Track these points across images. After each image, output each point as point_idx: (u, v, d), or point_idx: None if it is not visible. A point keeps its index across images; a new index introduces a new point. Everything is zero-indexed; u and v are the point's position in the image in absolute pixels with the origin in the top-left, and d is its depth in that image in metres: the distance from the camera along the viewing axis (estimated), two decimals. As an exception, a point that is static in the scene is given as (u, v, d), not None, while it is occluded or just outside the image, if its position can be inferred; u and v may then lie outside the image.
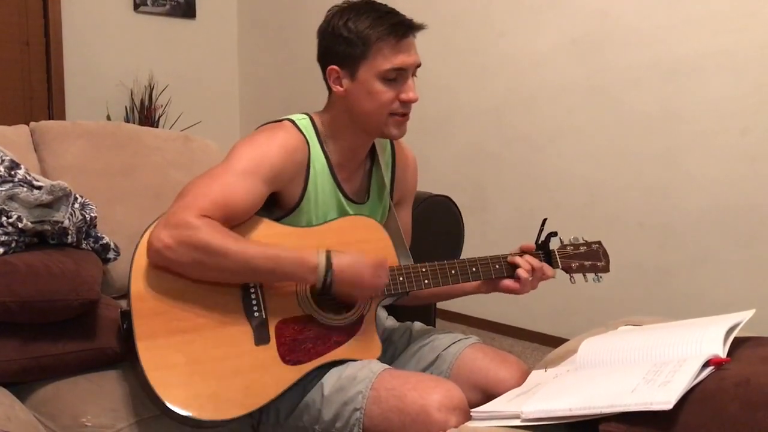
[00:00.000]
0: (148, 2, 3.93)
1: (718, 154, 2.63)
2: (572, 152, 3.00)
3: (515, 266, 1.48)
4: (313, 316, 1.35)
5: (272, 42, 4.13)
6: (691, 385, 0.95)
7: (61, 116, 3.62)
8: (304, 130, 1.41)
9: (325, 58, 1.40)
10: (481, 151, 3.29)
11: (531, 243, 1.54)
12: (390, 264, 1.43)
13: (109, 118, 3.72)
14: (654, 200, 2.80)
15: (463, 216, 2.15)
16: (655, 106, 2.76)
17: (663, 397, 0.91)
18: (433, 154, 3.39)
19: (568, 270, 1.56)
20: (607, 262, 1.59)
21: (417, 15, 1.40)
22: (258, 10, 4.23)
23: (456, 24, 3.29)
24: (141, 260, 1.27)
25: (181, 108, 3.97)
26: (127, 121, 3.82)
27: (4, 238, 1.35)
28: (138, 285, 1.25)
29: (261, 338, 1.29)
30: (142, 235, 1.28)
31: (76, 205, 1.51)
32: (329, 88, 1.42)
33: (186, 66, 4.11)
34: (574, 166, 3.00)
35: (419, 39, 1.40)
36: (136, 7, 3.89)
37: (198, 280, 1.27)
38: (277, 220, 1.40)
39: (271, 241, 1.34)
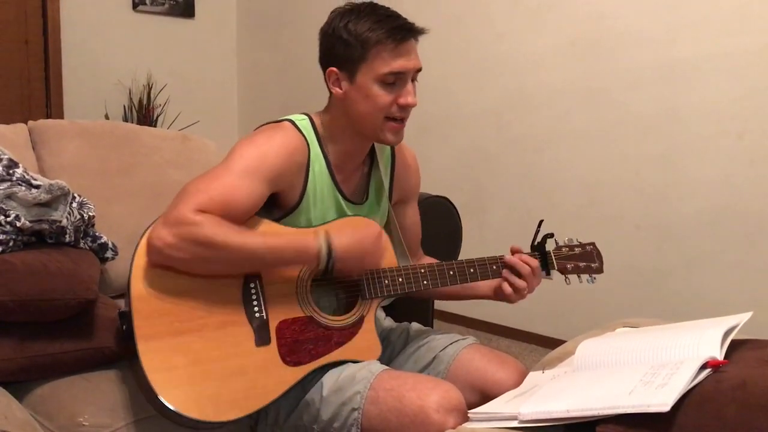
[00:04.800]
0: (147, 1, 3.93)
1: (715, 156, 2.63)
2: (570, 154, 3.00)
3: (512, 268, 1.48)
4: (314, 317, 1.35)
5: (271, 42, 4.13)
6: (689, 388, 0.95)
7: (60, 115, 3.62)
8: (304, 131, 1.41)
9: (325, 59, 1.40)
10: (480, 152, 3.29)
11: (520, 245, 1.53)
12: (389, 265, 1.44)
13: (107, 117, 3.71)
14: (651, 202, 2.80)
15: (461, 217, 2.15)
16: (653, 108, 2.76)
17: (660, 399, 0.91)
18: (432, 155, 3.39)
19: (563, 271, 1.57)
20: (601, 263, 1.60)
21: (417, 16, 1.40)
22: (257, 9, 4.22)
23: (455, 25, 3.29)
24: (141, 260, 1.27)
25: (179, 107, 3.97)
26: (126, 120, 3.81)
27: (1, 237, 1.35)
28: (138, 285, 1.25)
29: (262, 339, 1.29)
30: (142, 236, 1.28)
31: (74, 204, 1.51)
32: (329, 90, 1.42)
33: (184, 65, 4.10)
34: (571, 168, 3.00)
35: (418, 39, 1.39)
36: (134, 6, 3.88)
37: (199, 278, 1.27)
38: (277, 220, 1.40)
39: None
